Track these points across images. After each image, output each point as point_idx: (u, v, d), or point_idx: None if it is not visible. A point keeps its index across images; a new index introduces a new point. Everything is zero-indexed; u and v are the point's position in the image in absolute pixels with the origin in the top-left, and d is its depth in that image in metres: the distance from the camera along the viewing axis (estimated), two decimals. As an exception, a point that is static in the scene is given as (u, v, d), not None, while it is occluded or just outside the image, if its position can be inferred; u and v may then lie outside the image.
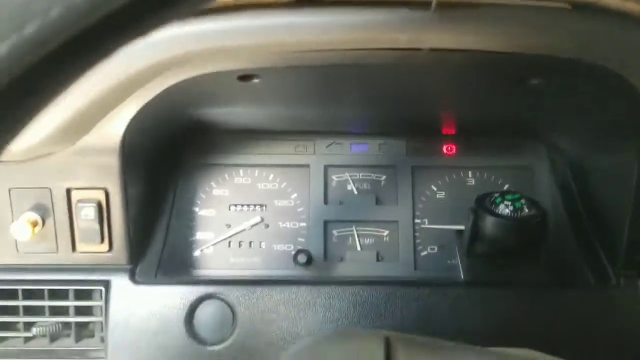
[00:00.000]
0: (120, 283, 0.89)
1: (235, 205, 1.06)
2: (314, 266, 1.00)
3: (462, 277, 0.91)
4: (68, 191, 0.85)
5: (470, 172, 1.09)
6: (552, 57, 0.71)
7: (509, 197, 0.88)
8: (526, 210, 0.87)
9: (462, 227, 0.98)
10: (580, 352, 0.86)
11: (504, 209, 0.87)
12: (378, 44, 0.70)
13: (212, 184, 1.06)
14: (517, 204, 0.87)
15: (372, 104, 0.99)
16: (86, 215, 0.85)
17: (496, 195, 0.89)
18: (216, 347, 0.88)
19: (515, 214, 0.87)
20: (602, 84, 0.79)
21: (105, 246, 0.88)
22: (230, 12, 0.68)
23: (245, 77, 0.79)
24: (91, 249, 0.88)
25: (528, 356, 0.48)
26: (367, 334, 0.42)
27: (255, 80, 0.80)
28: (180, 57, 0.69)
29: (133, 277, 0.89)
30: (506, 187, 1.07)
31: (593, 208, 0.99)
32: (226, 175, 1.07)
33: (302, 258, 0.94)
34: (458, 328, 0.88)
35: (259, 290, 0.88)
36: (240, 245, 1.04)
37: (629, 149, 0.86)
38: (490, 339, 0.81)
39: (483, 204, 0.89)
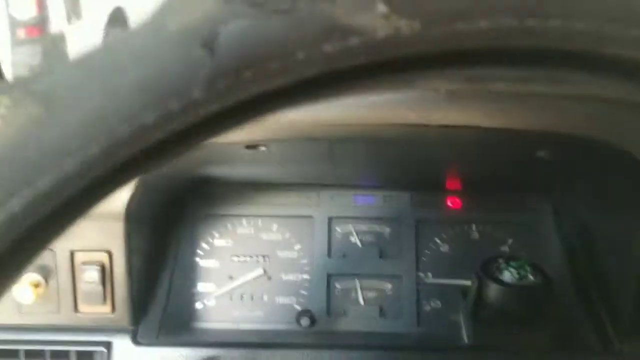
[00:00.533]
0: (122, 344, 0.88)
1: (238, 255, 1.05)
2: (316, 322, 1.00)
3: (466, 341, 0.90)
4: (72, 253, 0.85)
5: (474, 226, 1.08)
6: (560, 134, 0.71)
7: (513, 263, 0.88)
8: (531, 277, 0.87)
9: (466, 282, 0.97)
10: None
11: (509, 276, 0.87)
12: (387, 120, 0.70)
13: (215, 233, 1.06)
14: (522, 272, 0.87)
15: (378, 167, 0.99)
16: (89, 277, 0.85)
17: (501, 261, 0.89)
18: (218, 412, 0.87)
19: (520, 281, 0.86)
20: (611, 159, 0.79)
21: (107, 307, 0.88)
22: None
23: (252, 146, 0.79)
24: (93, 310, 0.88)
25: None
26: None
27: (262, 149, 0.80)
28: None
29: (135, 338, 0.89)
30: (510, 241, 1.06)
31: (598, 272, 0.99)
32: (229, 226, 1.06)
33: (305, 322, 0.93)
34: None
35: (261, 353, 0.88)
36: (242, 298, 1.03)
37: (632, 218, 0.86)
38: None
39: (488, 269, 0.89)
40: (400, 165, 0.98)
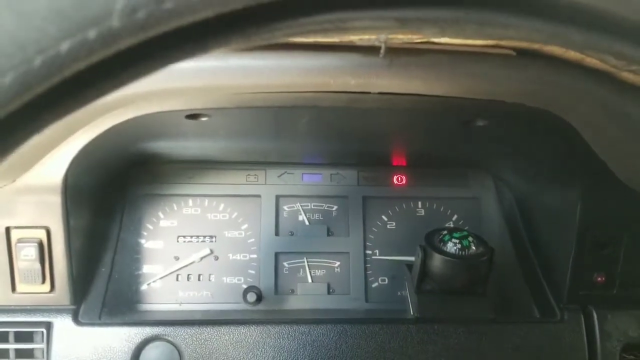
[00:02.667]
0: (63, 324, 0.85)
1: (184, 236, 1.04)
2: (264, 300, 1.00)
3: (412, 313, 0.91)
4: (7, 230, 0.82)
5: (420, 203, 1.10)
6: (496, 102, 0.73)
7: (456, 235, 0.89)
8: (473, 248, 0.88)
9: (411, 259, 0.99)
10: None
11: (452, 247, 0.88)
12: (329, 87, 0.70)
13: (160, 214, 1.04)
14: (465, 242, 0.88)
15: (323, 140, 0.99)
16: (26, 255, 0.82)
17: (444, 233, 0.90)
18: (162, 390, 0.86)
19: (463, 252, 0.88)
20: (545, 127, 0.81)
21: (46, 286, 0.85)
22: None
23: (193, 116, 0.78)
24: (32, 289, 0.85)
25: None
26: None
27: (204, 119, 0.79)
28: (125, 98, 0.67)
29: (76, 318, 0.86)
30: (455, 217, 1.09)
31: (538, 243, 1.02)
32: (174, 206, 1.05)
33: (251, 297, 0.93)
34: None
35: (207, 330, 0.87)
36: (189, 278, 1.02)
37: (571, 187, 0.89)
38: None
39: (432, 241, 0.90)
40: (346, 140, 0.98)
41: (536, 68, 0.71)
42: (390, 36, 0.66)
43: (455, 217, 1.09)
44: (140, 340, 0.85)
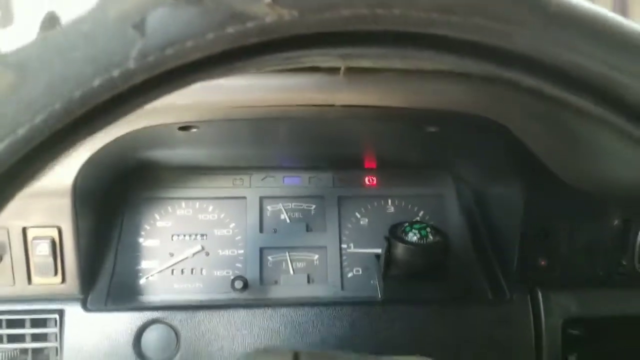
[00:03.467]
0: (73, 311, 0.98)
1: (178, 235, 1.16)
2: (250, 290, 1.11)
3: (380, 296, 1.04)
4: (24, 230, 0.94)
5: (389, 201, 1.22)
6: (442, 112, 0.86)
7: (416, 226, 1.02)
8: (431, 237, 1.01)
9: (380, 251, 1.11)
10: (477, 359, 1.01)
11: (412, 236, 1.01)
12: (298, 102, 0.83)
13: (156, 216, 1.16)
14: (423, 232, 1.01)
15: (300, 146, 1.12)
16: (41, 251, 0.94)
17: (406, 225, 1.03)
18: (162, 367, 0.98)
19: (422, 241, 1.01)
20: (489, 132, 0.94)
21: (58, 278, 0.97)
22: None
23: (184, 128, 0.91)
24: (46, 281, 0.97)
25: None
26: (279, 352, 0.53)
27: (194, 130, 0.92)
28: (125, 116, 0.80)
29: (85, 306, 0.99)
30: (421, 213, 1.21)
31: (492, 231, 1.15)
32: (169, 208, 1.17)
33: (238, 284, 1.05)
34: (376, 342, 1.01)
35: (200, 314, 0.99)
36: (182, 272, 1.14)
37: (515, 184, 1.02)
38: (403, 350, 0.95)
39: (395, 232, 1.03)
40: (320, 147, 1.11)
41: (475, 82, 0.84)
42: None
43: (421, 212, 1.22)
44: (141, 323, 0.98)
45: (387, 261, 1.03)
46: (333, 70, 0.80)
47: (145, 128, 0.86)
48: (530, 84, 0.45)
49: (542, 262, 1.06)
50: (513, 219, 1.05)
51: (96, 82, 0.34)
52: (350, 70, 0.80)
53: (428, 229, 1.02)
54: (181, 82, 0.40)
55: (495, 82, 0.82)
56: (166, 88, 0.41)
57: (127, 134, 0.87)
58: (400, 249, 1.01)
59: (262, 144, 1.09)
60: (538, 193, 1.01)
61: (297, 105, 0.84)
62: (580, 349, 1.06)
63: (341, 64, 0.74)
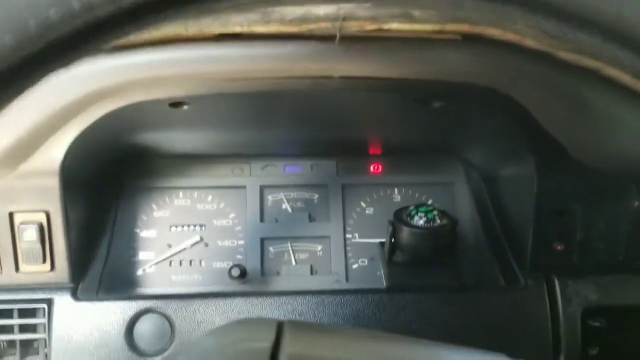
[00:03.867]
0: (63, 301, 0.93)
1: (176, 225, 1.12)
2: (251, 281, 1.07)
3: (384, 284, 0.99)
4: (10, 215, 0.91)
5: (396, 189, 1.17)
6: (446, 83, 0.81)
7: (422, 209, 0.97)
8: (438, 220, 0.96)
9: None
10: (490, 349, 0.94)
11: (419, 220, 0.96)
12: (293, 73, 0.79)
13: (153, 206, 1.12)
14: (430, 215, 0.96)
15: (299, 127, 1.07)
16: (28, 236, 0.90)
17: (411, 208, 0.98)
18: (155, 358, 0.93)
19: (429, 224, 0.95)
20: (497, 105, 0.89)
21: (47, 266, 0.93)
22: (159, 45, 0.75)
23: (175, 104, 0.86)
24: (34, 269, 0.93)
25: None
26: (262, 321, 0.49)
27: (185, 107, 0.87)
28: (112, 88, 0.76)
29: (75, 295, 0.94)
30: (429, 202, 1.16)
31: (503, 216, 1.09)
32: (166, 198, 1.13)
33: (235, 271, 1.00)
34: (381, 330, 0.95)
35: (196, 303, 0.94)
36: (181, 263, 1.10)
37: (527, 162, 0.96)
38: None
39: (400, 216, 0.98)
40: (322, 129, 1.06)
41: (479, 49, 0.79)
42: (344, 24, 0.74)
43: (430, 201, 1.16)
44: (133, 312, 0.93)
45: (392, 247, 0.98)
46: (328, 38, 0.76)
47: (134, 104, 0.82)
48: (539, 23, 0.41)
49: (558, 247, 1.00)
50: (526, 202, 0.99)
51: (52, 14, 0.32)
52: (346, 39, 0.75)
53: (435, 212, 0.97)
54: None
55: (498, 45, 0.77)
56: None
57: (117, 110, 0.83)
58: (405, 234, 0.96)
59: (260, 125, 1.04)
60: (551, 172, 0.96)
61: (294, 77, 0.79)
62: (602, 342, 1.00)
63: (340, 24, 0.70)
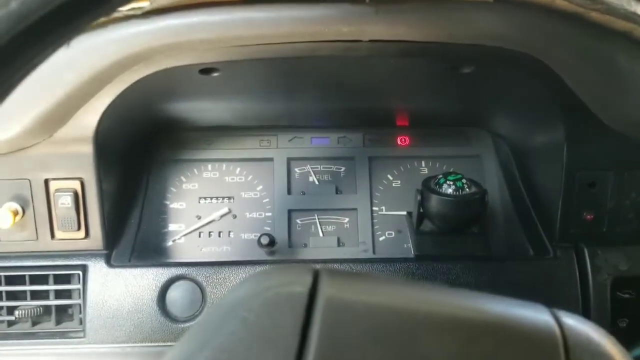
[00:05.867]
0: (97, 267, 0.95)
1: (205, 198, 1.13)
2: (279, 252, 1.08)
3: (413, 252, 0.99)
4: (46, 182, 0.93)
5: (423, 162, 1.17)
6: (477, 46, 0.81)
7: (451, 177, 0.97)
8: (467, 189, 0.96)
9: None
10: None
11: (447, 188, 0.96)
12: (323, 36, 0.79)
13: (182, 178, 1.13)
14: (459, 183, 0.96)
15: (327, 98, 1.07)
16: (63, 203, 0.92)
17: (440, 176, 0.98)
18: (187, 324, 0.95)
19: (458, 192, 0.95)
20: (528, 71, 0.88)
21: (82, 233, 0.95)
22: (189, 10, 0.76)
23: (206, 71, 0.87)
24: (69, 236, 0.95)
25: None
26: (299, 267, 0.49)
27: (215, 74, 0.88)
28: (144, 52, 0.77)
29: (109, 261, 0.96)
30: (457, 173, 1.16)
31: (532, 187, 1.08)
32: (195, 170, 1.14)
33: (264, 239, 1.01)
34: None
35: (226, 270, 0.96)
36: (210, 235, 1.11)
37: (556, 129, 0.96)
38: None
39: (428, 185, 0.98)
40: (349, 99, 1.07)
41: (511, 12, 0.78)
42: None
43: (457, 173, 1.16)
44: (166, 279, 0.95)
45: (420, 216, 0.98)
46: (358, 0, 0.76)
47: (165, 70, 0.83)
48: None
49: (588, 217, 0.99)
50: (555, 171, 0.99)
51: None
52: (377, 0, 0.75)
53: (464, 180, 0.97)
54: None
55: (530, 7, 0.76)
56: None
57: (148, 77, 0.84)
58: (434, 202, 0.96)
59: (287, 96, 1.05)
60: (581, 140, 0.95)
61: (324, 42, 0.80)
62: (631, 314, 0.99)
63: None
